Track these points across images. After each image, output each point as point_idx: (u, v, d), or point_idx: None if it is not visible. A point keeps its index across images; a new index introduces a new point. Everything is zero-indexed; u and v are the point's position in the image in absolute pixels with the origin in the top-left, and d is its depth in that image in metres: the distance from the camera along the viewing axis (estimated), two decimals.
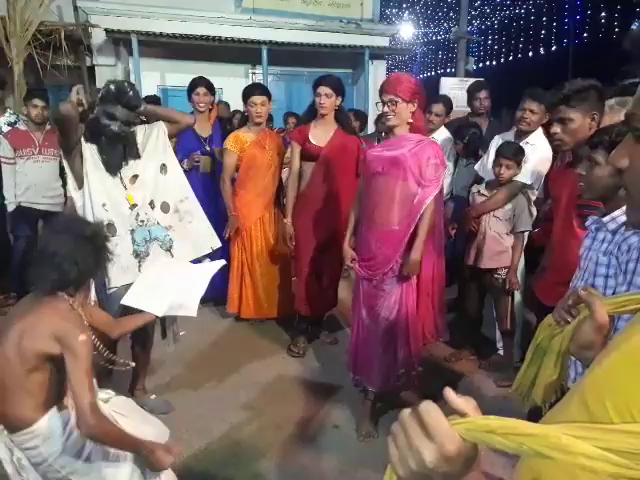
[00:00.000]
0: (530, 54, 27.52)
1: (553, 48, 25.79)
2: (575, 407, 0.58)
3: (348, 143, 3.50)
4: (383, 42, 9.90)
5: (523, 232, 3.10)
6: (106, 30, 7.62)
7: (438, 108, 4.15)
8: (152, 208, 2.64)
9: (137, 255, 2.57)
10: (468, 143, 3.95)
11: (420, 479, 0.57)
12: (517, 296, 3.23)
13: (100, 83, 7.97)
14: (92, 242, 1.74)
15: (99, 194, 2.49)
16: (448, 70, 27.98)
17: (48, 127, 4.35)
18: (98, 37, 7.89)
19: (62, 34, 7.03)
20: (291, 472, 2.50)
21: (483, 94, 4.34)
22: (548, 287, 2.34)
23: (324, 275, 3.66)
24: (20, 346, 1.61)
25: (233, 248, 3.89)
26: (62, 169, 4.07)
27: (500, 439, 0.53)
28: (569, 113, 2.32)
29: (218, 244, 2.90)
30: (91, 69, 8.02)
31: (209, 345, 3.75)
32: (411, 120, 2.56)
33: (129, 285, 2.37)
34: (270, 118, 7.13)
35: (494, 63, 30.00)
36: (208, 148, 4.18)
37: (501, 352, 3.42)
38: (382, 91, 2.55)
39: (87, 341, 1.62)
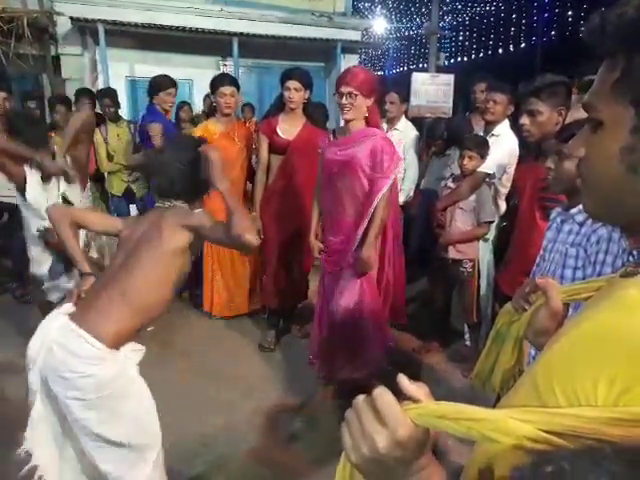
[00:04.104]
0: (500, 51, 27.97)
1: (522, 45, 26.25)
2: (526, 391, 0.59)
3: (316, 137, 3.48)
4: (355, 36, 9.89)
5: (488, 223, 3.14)
6: (72, 18, 7.39)
7: (392, 97, 4.13)
8: None
9: None
10: (448, 137, 3.95)
11: (373, 465, 0.57)
12: (483, 288, 3.28)
13: (66, 73, 7.73)
14: (196, 160, 1.95)
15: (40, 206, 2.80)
16: (420, 65, 28.18)
17: None
18: (63, 25, 7.63)
19: (25, 21, 6.80)
20: (261, 465, 2.49)
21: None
22: (510, 278, 2.39)
23: (293, 268, 3.64)
24: (153, 248, 1.70)
25: (204, 245, 3.82)
26: None
27: (450, 423, 0.53)
28: (539, 105, 2.37)
29: None
30: (56, 58, 7.76)
31: (178, 341, 3.70)
32: (367, 114, 2.56)
33: None
34: (252, 109, 7.06)
35: (465, 59, 30.37)
36: None
37: (469, 343, 3.48)
38: (341, 83, 2.52)
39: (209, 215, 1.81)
